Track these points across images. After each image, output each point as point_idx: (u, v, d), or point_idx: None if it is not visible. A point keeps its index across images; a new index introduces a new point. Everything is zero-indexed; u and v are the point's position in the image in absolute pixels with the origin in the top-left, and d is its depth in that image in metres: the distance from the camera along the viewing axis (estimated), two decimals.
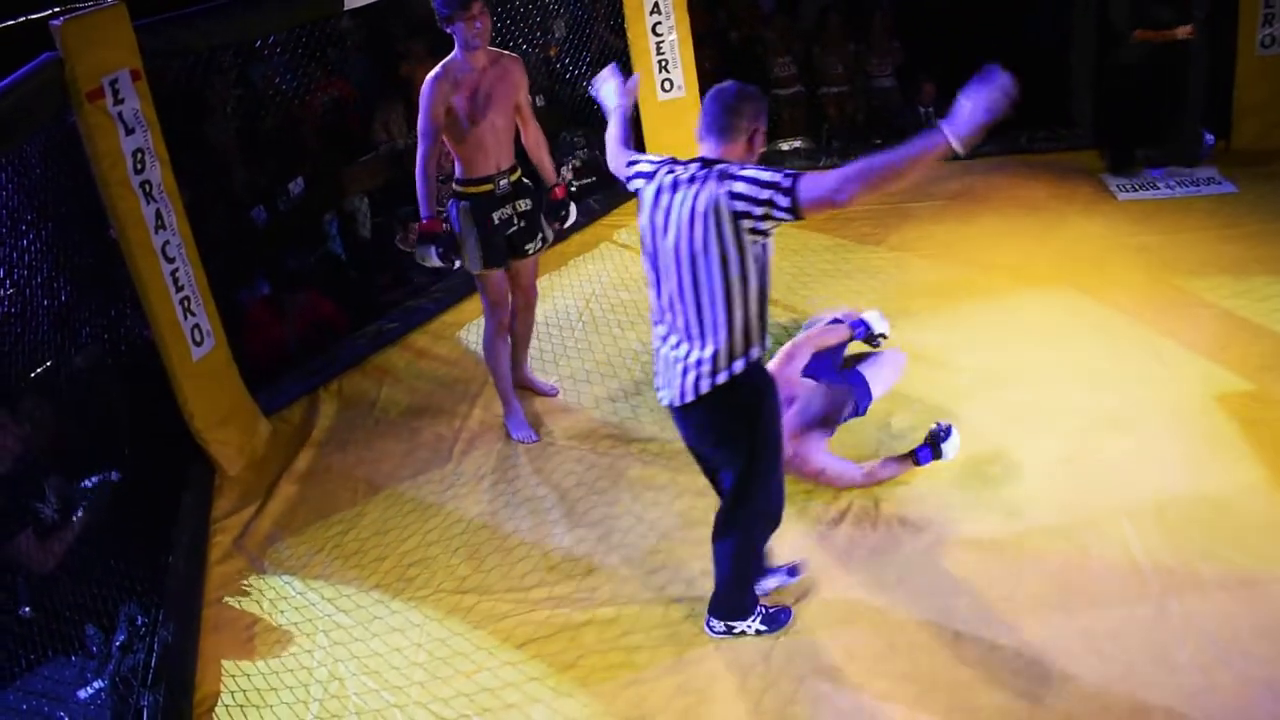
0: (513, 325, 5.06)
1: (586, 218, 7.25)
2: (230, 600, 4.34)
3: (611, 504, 4.48)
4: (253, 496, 4.90)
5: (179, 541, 4.53)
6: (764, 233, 2.97)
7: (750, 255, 3.01)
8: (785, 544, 3.93)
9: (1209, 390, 4.57)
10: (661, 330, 3.26)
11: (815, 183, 2.84)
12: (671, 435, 4.78)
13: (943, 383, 4.84)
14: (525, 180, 4.78)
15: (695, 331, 3.12)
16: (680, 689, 3.54)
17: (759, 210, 2.92)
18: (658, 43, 7.18)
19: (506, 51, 4.64)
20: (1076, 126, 7.39)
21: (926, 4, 8.29)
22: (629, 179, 3.33)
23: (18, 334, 4.08)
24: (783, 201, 2.87)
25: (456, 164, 4.63)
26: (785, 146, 7.97)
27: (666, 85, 7.27)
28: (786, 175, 2.89)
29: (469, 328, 6.11)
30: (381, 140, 7.22)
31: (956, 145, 2.71)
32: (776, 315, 5.72)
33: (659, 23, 7.12)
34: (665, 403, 3.31)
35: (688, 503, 4.39)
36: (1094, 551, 3.79)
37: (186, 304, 4.84)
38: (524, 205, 4.72)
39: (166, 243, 4.75)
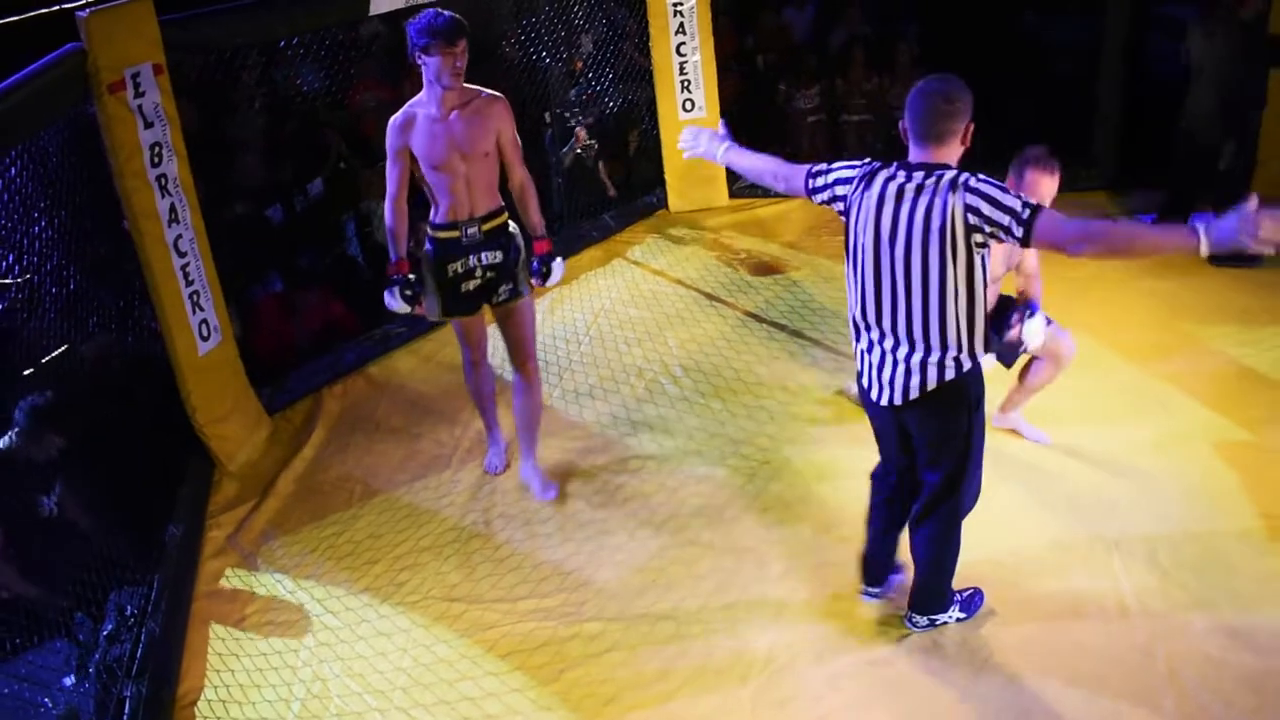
0: (518, 415, 4.74)
1: (601, 233, 7.28)
2: (220, 596, 4.35)
3: (605, 519, 4.48)
4: (250, 493, 4.92)
5: (173, 534, 4.55)
6: (986, 246, 3.03)
7: (978, 262, 3.08)
8: (777, 563, 3.93)
9: (1210, 438, 4.54)
10: (874, 334, 3.26)
11: (1053, 226, 2.87)
12: (670, 453, 4.82)
13: None
14: (510, 229, 4.41)
15: (920, 334, 3.16)
16: (661, 708, 3.53)
17: (989, 229, 2.96)
18: (681, 63, 7.21)
19: (487, 90, 4.26)
20: (1096, 166, 7.38)
21: (951, 39, 8.31)
22: (822, 188, 3.29)
23: (24, 319, 4.12)
24: (1017, 231, 2.91)
25: (430, 206, 4.35)
26: None
27: (688, 105, 7.29)
28: (1025, 206, 2.91)
29: None
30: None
31: (1205, 250, 2.70)
32: (780, 341, 5.73)
33: (683, 43, 7.15)
34: (884, 402, 3.32)
35: (682, 522, 4.39)
36: (1085, 593, 3.77)
37: (196, 299, 4.87)
38: (493, 257, 4.35)
39: (179, 237, 4.79)
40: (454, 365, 5.89)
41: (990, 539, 4.07)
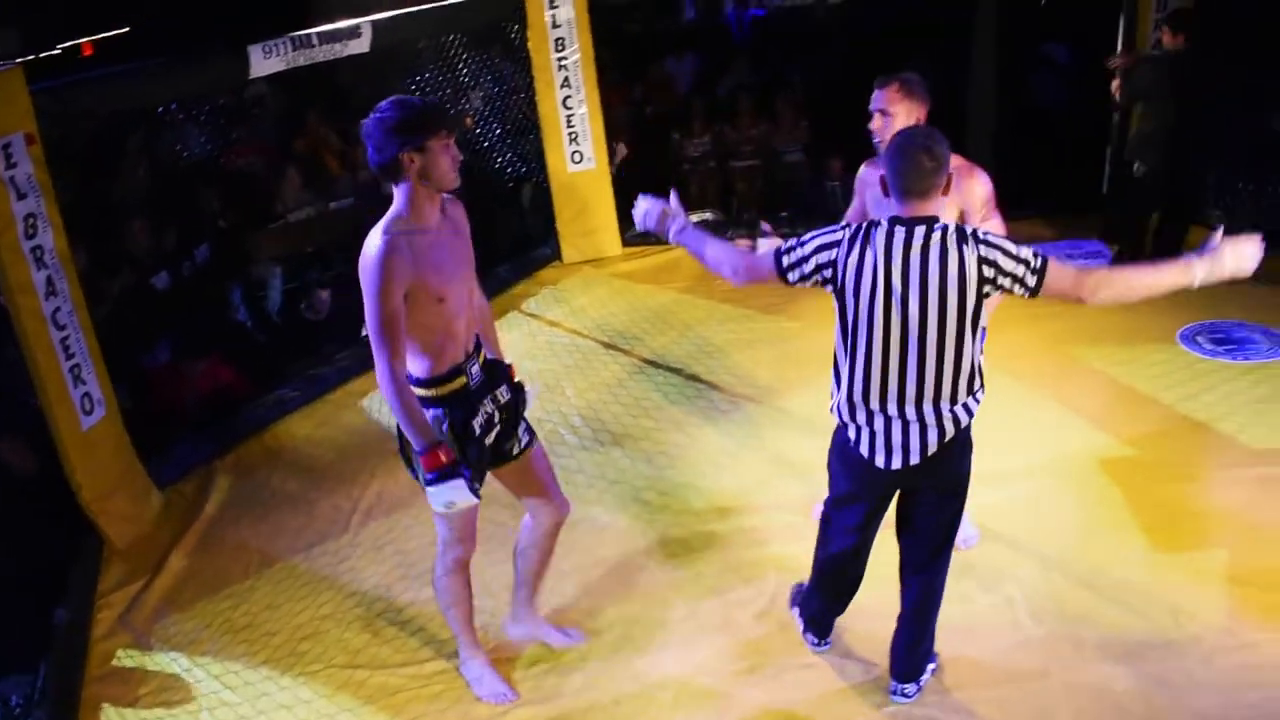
0: (529, 556, 3.90)
1: (495, 286, 7.28)
2: (112, 679, 4.18)
3: (508, 575, 4.40)
4: (141, 571, 4.76)
5: (61, 617, 4.38)
6: (989, 296, 3.00)
7: (984, 309, 3.08)
8: (682, 607, 3.92)
9: (1097, 456, 4.70)
10: (875, 399, 3.12)
11: (1063, 275, 2.95)
12: (575, 513, 4.77)
13: None
14: (489, 357, 3.55)
15: (933, 386, 3.06)
16: None
17: (1005, 281, 2.95)
18: (568, 116, 7.28)
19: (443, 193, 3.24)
20: None
21: (836, 86, 8.58)
22: (800, 263, 3.12)
23: None
24: (1030, 281, 2.94)
25: (415, 359, 3.29)
26: (695, 218, 8.08)
27: (576, 157, 7.36)
28: (1036, 255, 2.95)
29: (373, 396, 6.07)
30: (279, 210, 7.22)
31: (1196, 283, 2.96)
32: (677, 385, 5.77)
33: (569, 96, 7.23)
34: (895, 465, 3.17)
35: (584, 573, 4.37)
36: (981, 618, 3.84)
37: (76, 372, 4.73)
38: (503, 395, 3.50)
39: (58, 309, 4.66)
40: (350, 428, 5.83)
41: (882, 569, 4.12)
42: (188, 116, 6.59)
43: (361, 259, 3.09)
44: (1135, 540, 4.17)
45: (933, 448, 3.14)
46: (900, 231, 2.98)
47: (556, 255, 7.68)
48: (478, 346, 3.43)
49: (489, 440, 3.43)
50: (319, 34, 5.90)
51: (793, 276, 3.15)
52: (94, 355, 4.85)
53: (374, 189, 7.61)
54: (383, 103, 3.09)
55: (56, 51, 10.47)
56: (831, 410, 3.27)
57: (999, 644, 3.71)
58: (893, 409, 3.12)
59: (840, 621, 3.81)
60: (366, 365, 6.25)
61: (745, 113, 8.48)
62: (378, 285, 3.06)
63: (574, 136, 7.34)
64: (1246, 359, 5.47)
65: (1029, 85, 8.43)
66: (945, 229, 2.97)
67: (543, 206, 7.73)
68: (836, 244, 3.07)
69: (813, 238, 3.12)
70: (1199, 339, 5.65)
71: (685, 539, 4.49)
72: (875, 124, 3.78)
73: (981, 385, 3.15)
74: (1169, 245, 6.34)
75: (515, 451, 3.59)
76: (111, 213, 6.38)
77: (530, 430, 3.66)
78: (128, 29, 11.03)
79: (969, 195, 3.75)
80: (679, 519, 4.61)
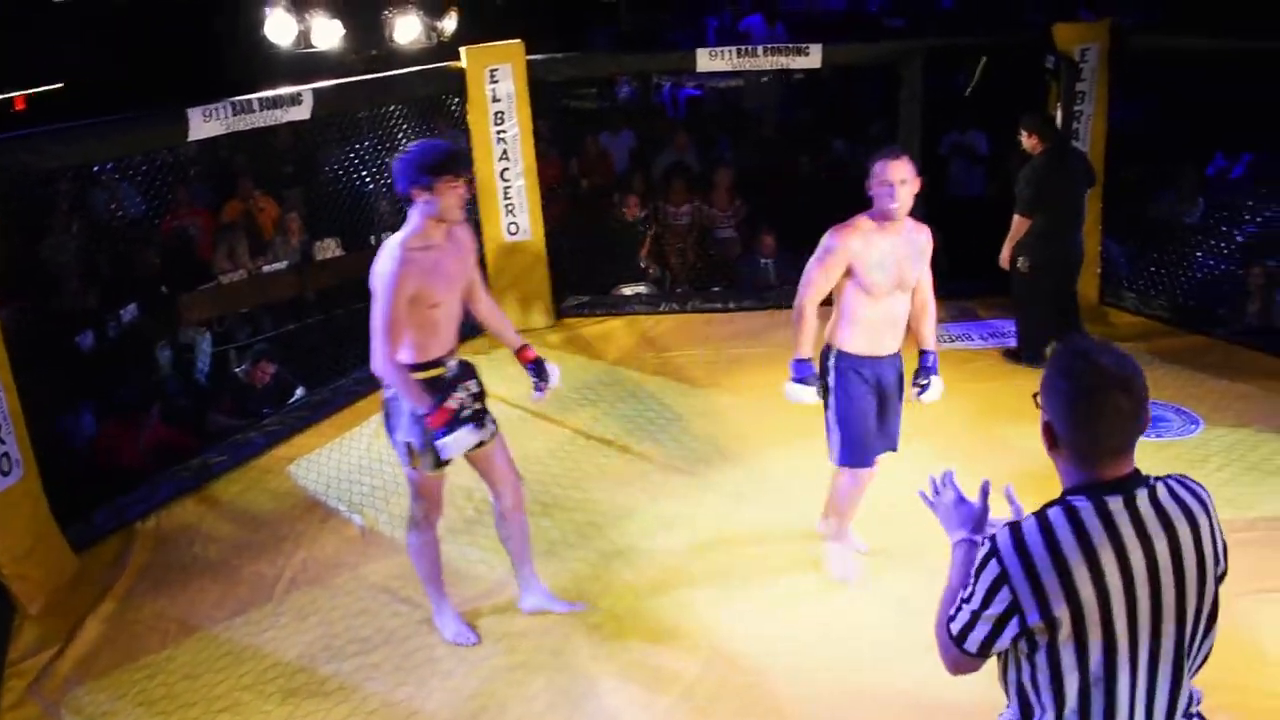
0: (512, 536, 4.45)
1: None
2: None
3: (434, 645, 4.38)
4: (54, 638, 4.61)
5: None
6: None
7: None
8: (609, 678, 3.91)
9: None
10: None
11: None
12: (499, 574, 4.77)
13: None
14: (463, 359, 4.21)
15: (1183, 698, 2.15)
16: None
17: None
18: (505, 187, 7.37)
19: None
20: None
21: (770, 168, 8.82)
22: (977, 625, 2.14)
23: None
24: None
25: (406, 349, 3.92)
26: (628, 291, 8.20)
27: (512, 228, 7.44)
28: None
29: (300, 462, 6.01)
30: (225, 269, 7.20)
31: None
32: (608, 457, 5.81)
33: (507, 168, 7.33)
34: None
35: (511, 643, 4.34)
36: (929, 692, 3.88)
37: None
38: (473, 387, 4.16)
39: None
40: (277, 493, 5.74)
41: (826, 656, 4.17)
42: (121, 175, 6.55)
43: (378, 265, 3.76)
44: None
45: None
46: (1116, 503, 2.06)
47: None
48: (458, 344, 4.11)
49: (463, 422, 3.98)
50: (259, 99, 5.92)
51: (1003, 641, 2.13)
52: (14, 415, 4.75)
53: (306, 253, 7.63)
54: (412, 144, 3.84)
55: None
56: None
57: None
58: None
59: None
60: (295, 429, 6.25)
61: (679, 189, 8.64)
62: (391, 289, 3.72)
63: (510, 208, 7.42)
64: (1159, 437, 5.67)
65: (949, 174, 8.73)
66: (1183, 484, 2.14)
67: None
68: (1008, 580, 2.07)
69: (982, 593, 2.12)
70: None
71: (614, 609, 4.49)
72: (901, 195, 4.11)
73: None
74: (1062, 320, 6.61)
75: (485, 439, 4.18)
76: (42, 269, 6.31)
77: (494, 421, 4.28)
78: (61, 84, 10.98)
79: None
80: (608, 590, 4.61)
